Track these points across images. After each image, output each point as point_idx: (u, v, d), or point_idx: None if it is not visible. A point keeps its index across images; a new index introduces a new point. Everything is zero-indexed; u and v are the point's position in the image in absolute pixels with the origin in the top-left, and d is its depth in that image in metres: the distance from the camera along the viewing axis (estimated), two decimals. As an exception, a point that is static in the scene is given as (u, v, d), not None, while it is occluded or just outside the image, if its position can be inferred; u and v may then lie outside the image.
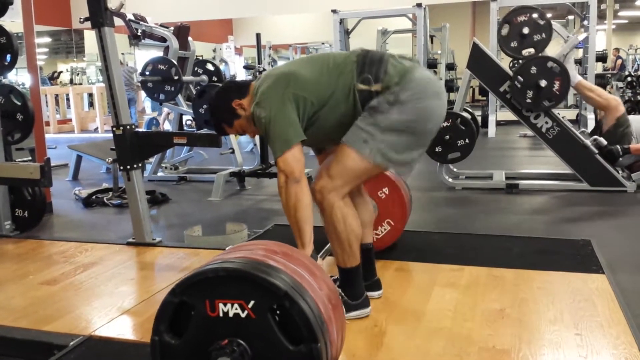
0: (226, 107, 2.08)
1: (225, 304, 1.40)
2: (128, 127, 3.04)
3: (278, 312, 1.39)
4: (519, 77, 4.47)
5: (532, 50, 4.55)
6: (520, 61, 4.72)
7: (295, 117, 1.93)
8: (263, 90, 1.97)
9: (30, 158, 4.46)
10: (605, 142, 4.52)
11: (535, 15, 4.55)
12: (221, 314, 1.40)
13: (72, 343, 1.98)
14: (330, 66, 2.00)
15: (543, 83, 4.42)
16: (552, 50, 4.92)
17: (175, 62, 5.42)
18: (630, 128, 4.77)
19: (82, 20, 3.00)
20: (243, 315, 1.39)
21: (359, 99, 1.96)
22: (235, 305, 1.39)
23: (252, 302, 1.38)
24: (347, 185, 1.99)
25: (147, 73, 5.42)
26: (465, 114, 4.76)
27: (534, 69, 4.46)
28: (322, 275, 1.58)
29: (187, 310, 1.44)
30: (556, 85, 4.44)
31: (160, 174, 5.86)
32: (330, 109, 1.98)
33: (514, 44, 4.59)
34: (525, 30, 4.53)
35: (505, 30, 4.63)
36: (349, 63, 1.99)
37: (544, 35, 4.54)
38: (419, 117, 1.95)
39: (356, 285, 2.07)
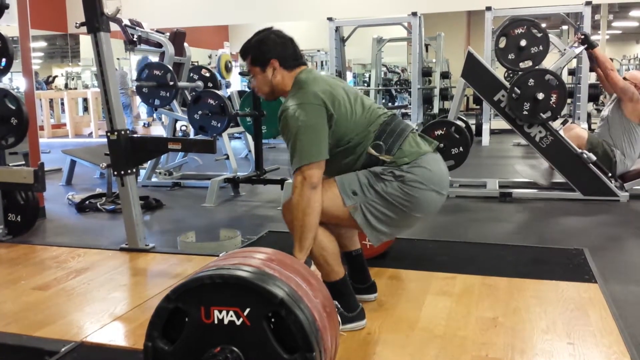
0: (264, 53, 2.03)
1: (220, 311, 1.39)
2: (122, 132, 3.03)
3: (273, 320, 1.38)
4: (516, 89, 4.49)
5: (529, 62, 4.57)
6: (517, 72, 4.73)
7: (327, 135, 1.94)
8: (312, 93, 1.95)
9: (23, 162, 4.45)
10: (594, 158, 4.54)
11: (532, 29, 4.56)
12: (216, 321, 1.40)
13: (63, 349, 1.96)
14: (366, 115, 2.01)
15: (540, 96, 4.45)
16: (549, 62, 4.94)
17: (171, 68, 5.42)
18: None
19: (78, 25, 3.00)
20: (238, 322, 1.39)
21: (364, 159, 2.00)
22: (231, 313, 1.39)
23: (247, 310, 1.38)
24: None
25: (143, 76, 5.41)
26: (459, 123, 4.78)
27: (531, 82, 4.48)
28: (317, 283, 1.58)
29: (181, 317, 1.43)
30: (553, 98, 4.47)
31: (154, 179, 5.85)
32: (335, 152, 1.99)
33: (511, 56, 4.61)
34: (523, 43, 4.55)
35: (502, 43, 4.65)
36: (375, 123, 2.01)
37: (541, 48, 4.56)
38: (412, 202, 1.97)
39: (346, 296, 2.06)
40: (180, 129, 7.78)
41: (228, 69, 8.20)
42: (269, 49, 2.03)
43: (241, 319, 1.38)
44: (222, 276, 1.40)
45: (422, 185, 1.97)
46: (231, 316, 1.39)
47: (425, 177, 1.98)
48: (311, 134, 1.90)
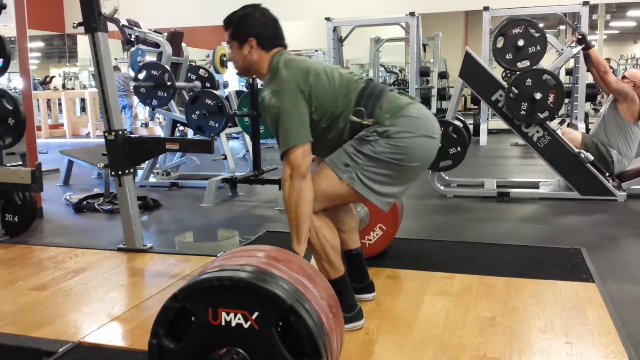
0: (243, 30, 2.01)
1: (228, 313, 1.38)
2: (120, 132, 3.03)
3: (281, 323, 1.37)
4: (514, 89, 4.50)
5: (527, 62, 4.58)
6: (514, 72, 4.74)
7: (307, 118, 1.92)
8: (284, 79, 1.93)
9: (21, 163, 4.44)
10: (592, 157, 4.54)
11: (530, 29, 4.56)
12: (223, 323, 1.39)
13: (61, 349, 1.96)
14: (344, 83, 1.99)
15: (538, 95, 4.45)
16: (546, 61, 4.95)
17: (169, 68, 5.42)
18: None
19: (75, 25, 3.00)
20: (246, 325, 1.38)
21: (349, 129, 1.97)
22: (239, 315, 1.38)
23: (256, 314, 1.37)
24: (319, 204, 1.96)
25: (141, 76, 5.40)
26: (457, 123, 4.78)
27: (529, 81, 4.49)
28: (322, 281, 1.57)
29: (187, 316, 1.42)
30: (551, 97, 4.47)
31: (152, 179, 5.84)
32: (322, 128, 1.98)
33: (509, 56, 4.61)
34: (520, 43, 4.55)
35: (500, 43, 4.65)
36: (353, 90, 1.99)
37: (538, 48, 4.57)
38: (404, 153, 1.94)
39: (345, 296, 2.04)
40: (178, 129, 7.77)
41: (223, 64, 8.17)
42: (250, 26, 2.01)
43: (249, 323, 1.37)
44: (230, 279, 1.38)
45: (408, 134, 1.93)
46: (239, 319, 1.38)
47: (410, 125, 1.94)
48: (289, 118, 1.89)
